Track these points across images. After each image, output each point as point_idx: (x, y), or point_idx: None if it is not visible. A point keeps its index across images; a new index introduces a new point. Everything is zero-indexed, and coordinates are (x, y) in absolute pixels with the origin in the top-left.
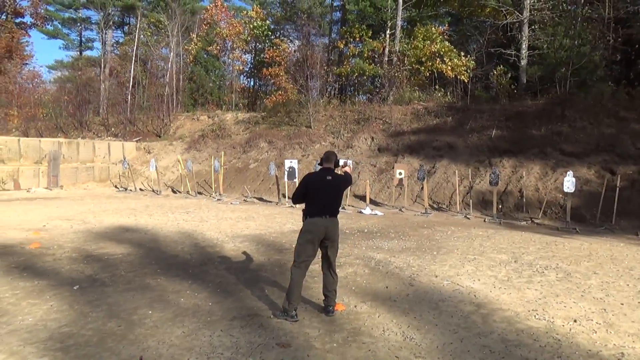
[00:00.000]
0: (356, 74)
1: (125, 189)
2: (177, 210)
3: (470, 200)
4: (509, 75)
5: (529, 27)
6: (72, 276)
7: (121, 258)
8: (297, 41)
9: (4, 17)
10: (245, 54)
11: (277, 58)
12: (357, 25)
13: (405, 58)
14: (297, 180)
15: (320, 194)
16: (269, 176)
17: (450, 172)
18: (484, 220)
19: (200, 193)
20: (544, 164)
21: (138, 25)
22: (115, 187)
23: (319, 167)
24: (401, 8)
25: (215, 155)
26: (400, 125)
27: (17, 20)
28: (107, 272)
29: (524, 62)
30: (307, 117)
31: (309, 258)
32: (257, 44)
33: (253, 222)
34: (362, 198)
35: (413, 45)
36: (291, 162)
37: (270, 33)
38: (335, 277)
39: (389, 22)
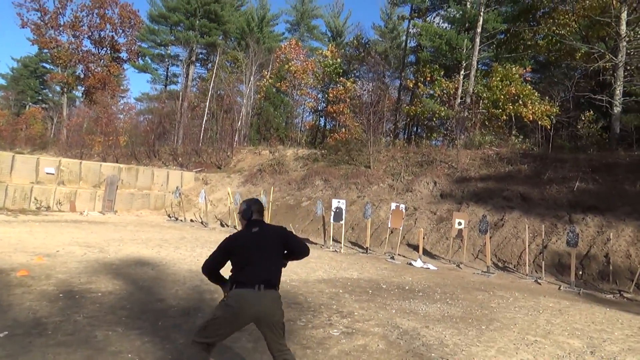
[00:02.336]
0: (426, 114)
1: (176, 219)
2: (209, 245)
3: (543, 262)
4: (600, 123)
5: (624, 71)
6: (16, 317)
7: (98, 297)
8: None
9: (104, 52)
10: (316, 92)
11: (341, 96)
12: (429, 65)
13: (480, 101)
14: (342, 223)
15: (249, 254)
16: (317, 216)
17: (521, 227)
18: (559, 288)
19: (235, 227)
20: (638, 226)
21: (217, 61)
22: (168, 216)
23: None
24: (478, 47)
25: (269, 190)
26: (467, 171)
27: (115, 56)
28: (63, 314)
29: (617, 110)
30: (368, 156)
31: (219, 339)
32: (329, 82)
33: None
34: (416, 248)
35: (489, 86)
36: (339, 202)
37: (341, 72)
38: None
39: (463, 62)
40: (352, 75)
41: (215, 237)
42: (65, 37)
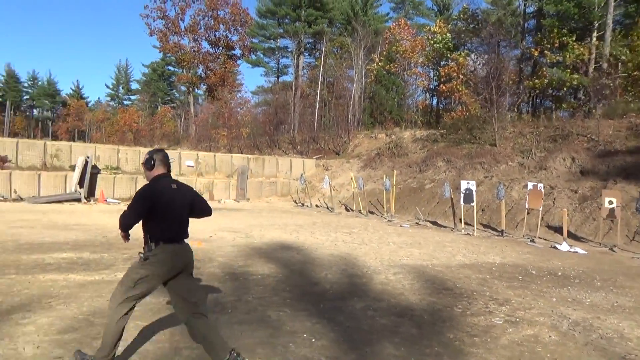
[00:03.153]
0: (554, 85)
1: (302, 205)
2: (341, 230)
3: None
4: None
5: None
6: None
7: (259, 280)
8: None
9: (219, 51)
10: (427, 71)
11: (454, 73)
12: (556, 31)
13: (619, 64)
14: (474, 204)
15: (172, 210)
16: (444, 198)
17: None
18: None
19: (372, 212)
20: None
21: (324, 49)
22: (294, 202)
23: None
24: (612, 4)
25: (390, 174)
26: (611, 144)
27: (230, 53)
28: (235, 295)
29: None
30: (492, 134)
31: (144, 296)
32: (440, 60)
33: (418, 249)
34: (558, 230)
35: (632, 46)
36: (468, 183)
37: (451, 46)
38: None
39: (595, 22)
40: (464, 49)
41: (345, 222)
42: (186, 40)
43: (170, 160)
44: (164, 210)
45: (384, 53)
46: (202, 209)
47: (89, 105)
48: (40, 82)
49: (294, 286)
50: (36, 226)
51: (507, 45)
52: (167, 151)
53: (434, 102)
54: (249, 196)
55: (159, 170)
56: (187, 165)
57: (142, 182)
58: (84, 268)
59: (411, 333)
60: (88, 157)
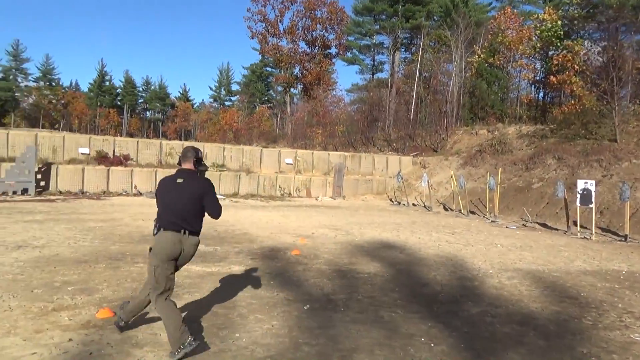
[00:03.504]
0: None
1: (399, 203)
2: (442, 230)
3: None
4: None
5: None
6: (309, 292)
7: (366, 278)
8: (599, 42)
9: (316, 50)
10: (533, 62)
11: (568, 63)
12: None
13: None
14: (592, 206)
15: (167, 201)
16: (556, 198)
17: None
18: None
19: (472, 212)
20: None
21: (422, 44)
22: (390, 200)
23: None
24: None
25: (492, 172)
26: None
27: (326, 52)
28: (344, 293)
29: None
30: (612, 128)
31: (172, 282)
32: (547, 50)
33: (529, 253)
34: None
35: None
36: (586, 182)
37: (562, 34)
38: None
39: None
40: (577, 37)
41: (445, 222)
42: (284, 42)
43: (198, 155)
44: (162, 200)
45: (487, 45)
46: (208, 208)
47: (194, 107)
48: (152, 87)
49: (403, 286)
50: (150, 219)
51: (627, 31)
52: (266, 149)
53: (540, 95)
54: (345, 194)
55: (181, 165)
56: (286, 163)
57: (245, 179)
58: (201, 260)
59: (538, 345)
60: None
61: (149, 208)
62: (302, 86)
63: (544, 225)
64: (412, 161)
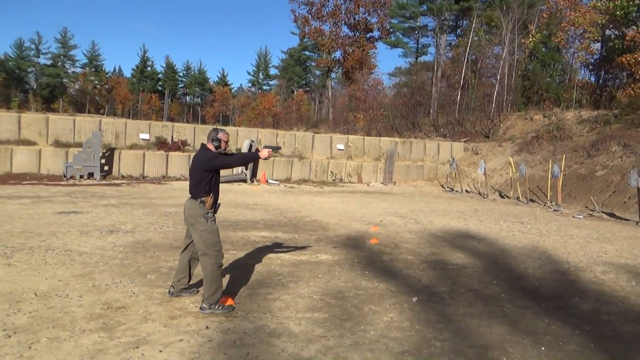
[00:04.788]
0: None
1: (452, 190)
2: (509, 219)
3: None
4: None
5: None
6: (409, 283)
7: (457, 270)
8: None
9: (358, 34)
10: (594, 43)
11: (637, 40)
12: None
13: None
14: None
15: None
16: (625, 187)
17: None
18: None
19: (532, 200)
20: None
21: (473, 26)
22: (442, 186)
23: None
24: None
25: (551, 159)
26: None
27: (368, 36)
28: (444, 285)
29: None
30: None
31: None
32: (612, 29)
33: (611, 245)
34: None
35: None
36: None
37: (634, 10)
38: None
39: None
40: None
41: (508, 210)
42: (327, 26)
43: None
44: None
45: (542, 25)
46: (223, 166)
47: (232, 92)
48: (192, 72)
49: (499, 279)
50: (222, 204)
51: None
52: (318, 134)
53: (595, 78)
54: (396, 179)
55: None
56: (338, 149)
57: (297, 165)
58: (288, 248)
59: None
60: (252, 141)
61: None
62: (342, 70)
63: (612, 215)
64: (463, 147)
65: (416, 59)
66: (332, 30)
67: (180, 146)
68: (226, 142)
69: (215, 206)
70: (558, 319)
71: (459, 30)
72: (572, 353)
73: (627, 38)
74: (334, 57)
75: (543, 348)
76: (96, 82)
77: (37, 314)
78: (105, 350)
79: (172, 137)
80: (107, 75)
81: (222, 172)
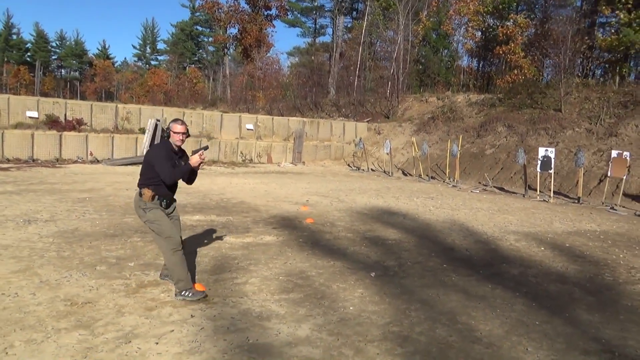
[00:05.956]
0: (622, 47)
1: (358, 169)
2: (420, 195)
3: None
4: None
5: None
6: (360, 260)
7: (396, 244)
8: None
9: (256, 11)
10: (479, 32)
11: (511, 34)
12: None
13: None
14: (552, 171)
15: None
16: (511, 164)
17: None
18: None
19: (433, 178)
20: None
21: (367, 9)
22: (349, 165)
23: None
24: None
25: (446, 139)
26: None
27: (266, 13)
28: (391, 259)
29: None
30: (557, 99)
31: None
32: (495, 19)
33: (511, 216)
34: (635, 198)
35: None
36: (547, 150)
37: (506, 6)
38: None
39: None
40: (515, 9)
41: (416, 187)
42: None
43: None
44: None
45: (432, 12)
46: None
47: (115, 66)
48: (67, 42)
49: (436, 252)
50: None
51: (555, 5)
52: (227, 114)
53: (478, 65)
54: (305, 159)
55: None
56: (247, 129)
57: (208, 144)
58: (228, 231)
59: (589, 300)
60: (158, 120)
61: (122, 177)
62: (241, 47)
63: (502, 189)
64: (367, 127)
65: (314, 39)
66: (231, 4)
67: (76, 125)
68: (183, 134)
69: (160, 199)
70: (498, 283)
71: (354, 13)
72: (522, 312)
73: (501, 31)
74: (230, 33)
75: (498, 310)
76: None
77: None
78: (95, 348)
79: (66, 115)
80: None
81: (125, 153)
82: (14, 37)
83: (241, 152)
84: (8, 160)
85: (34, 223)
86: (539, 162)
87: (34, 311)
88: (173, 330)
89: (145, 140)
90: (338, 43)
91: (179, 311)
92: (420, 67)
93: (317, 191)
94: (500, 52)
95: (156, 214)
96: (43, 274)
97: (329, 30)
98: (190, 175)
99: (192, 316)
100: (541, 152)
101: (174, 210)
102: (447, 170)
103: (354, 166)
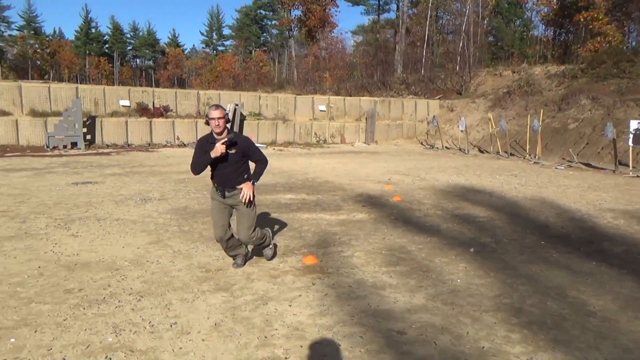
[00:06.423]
0: None
1: (432, 147)
2: (501, 172)
3: None
4: None
5: None
6: (455, 236)
7: (488, 222)
8: None
9: None
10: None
11: None
12: None
13: None
14: None
15: None
16: (598, 139)
17: None
18: None
19: (511, 154)
20: None
21: None
22: (421, 144)
23: None
24: None
25: (524, 114)
26: None
27: None
28: (486, 236)
29: None
30: None
31: None
32: None
33: (604, 193)
34: None
35: None
36: (639, 123)
37: None
38: None
39: None
40: None
41: (494, 164)
42: None
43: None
44: None
45: None
46: None
47: (185, 53)
48: (140, 33)
49: (530, 229)
50: None
51: None
52: (300, 96)
53: (555, 34)
54: (377, 139)
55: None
56: (320, 110)
57: (281, 127)
58: (321, 208)
59: None
60: (237, 104)
61: None
62: (306, 29)
63: (589, 165)
64: (439, 104)
65: (378, 16)
66: None
67: (163, 112)
68: (219, 119)
69: (218, 188)
70: (602, 260)
71: None
72: (633, 289)
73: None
74: (295, 15)
75: (607, 286)
76: (36, 45)
77: (146, 279)
78: (239, 307)
79: (154, 102)
80: (47, 38)
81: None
82: (93, 30)
83: (315, 133)
84: (107, 146)
85: (149, 202)
86: (631, 135)
87: (178, 276)
88: (301, 295)
89: None
90: (403, 19)
91: (300, 279)
92: (492, 39)
93: (396, 170)
94: (581, 19)
95: (212, 204)
96: (174, 245)
97: (393, 7)
98: (257, 168)
99: (313, 284)
100: (633, 125)
101: (238, 201)
102: (528, 147)
103: (428, 144)
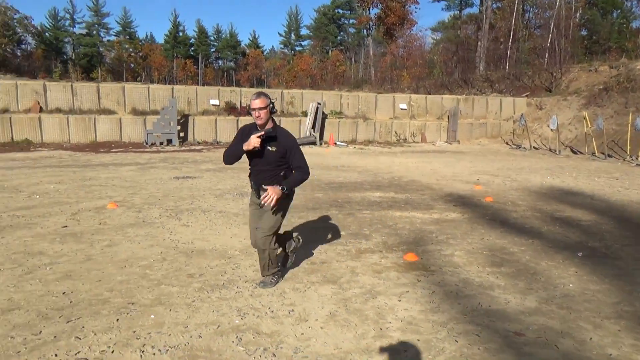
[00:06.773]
0: None
1: (519, 147)
2: (600, 174)
3: None
4: None
5: None
6: (559, 239)
7: (594, 226)
8: None
9: None
10: None
11: None
12: None
13: None
14: None
15: None
16: None
17: None
18: None
19: (609, 155)
20: None
21: None
22: (507, 143)
23: None
24: None
25: (623, 112)
26: None
27: None
28: (594, 240)
29: None
30: None
31: None
32: None
33: None
34: None
35: None
36: None
37: None
38: None
39: None
40: None
41: (590, 166)
42: None
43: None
44: None
45: None
46: None
47: (264, 54)
48: (223, 35)
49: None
50: (312, 166)
51: None
52: (381, 94)
53: None
54: (459, 138)
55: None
56: (401, 108)
57: (362, 125)
58: (412, 207)
59: None
60: (319, 103)
61: None
62: (383, 27)
63: None
64: (526, 102)
65: (460, 11)
66: None
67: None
68: (259, 110)
69: (253, 187)
70: None
71: None
72: None
73: None
74: (373, 13)
75: None
76: (130, 49)
77: (257, 269)
78: (350, 299)
79: (241, 102)
80: (140, 43)
81: (295, 135)
82: (180, 34)
83: (395, 132)
84: (198, 143)
85: (245, 196)
86: None
87: (288, 267)
88: (408, 291)
89: (307, 122)
90: (487, 14)
91: (404, 275)
92: (585, 32)
93: (484, 170)
94: None
95: (249, 210)
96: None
97: (477, 1)
98: (297, 174)
99: (418, 280)
100: None
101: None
102: (629, 147)
103: (514, 144)
